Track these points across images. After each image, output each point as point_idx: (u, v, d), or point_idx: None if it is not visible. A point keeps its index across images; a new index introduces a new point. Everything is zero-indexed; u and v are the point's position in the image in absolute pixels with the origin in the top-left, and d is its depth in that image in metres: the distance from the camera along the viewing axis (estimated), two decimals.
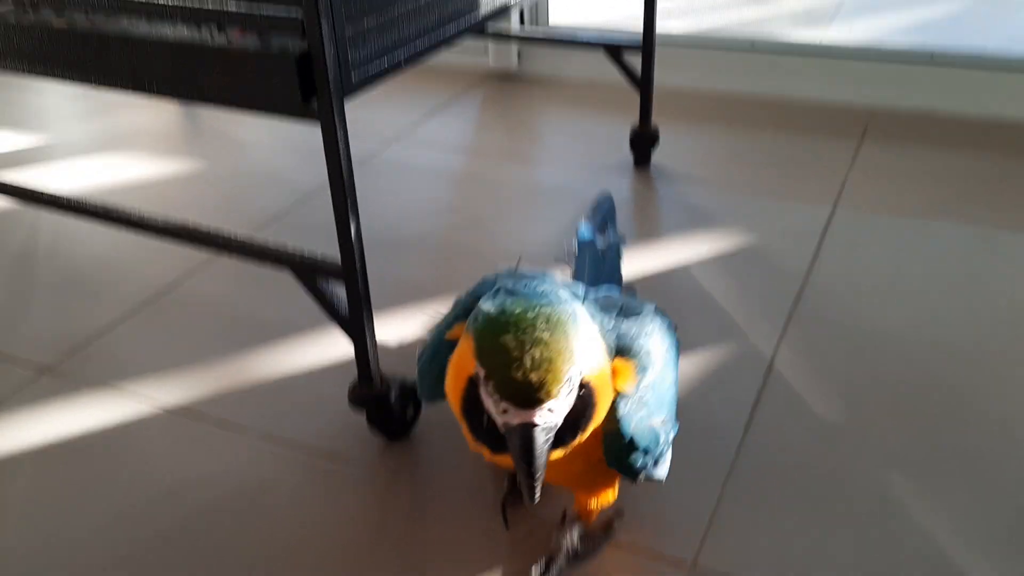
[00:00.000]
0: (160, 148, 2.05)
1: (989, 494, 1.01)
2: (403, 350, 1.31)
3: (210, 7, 0.95)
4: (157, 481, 1.10)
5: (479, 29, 1.20)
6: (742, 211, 1.62)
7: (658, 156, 1.81)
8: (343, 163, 0.96)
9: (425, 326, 1.14)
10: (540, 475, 0.74)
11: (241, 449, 1.15)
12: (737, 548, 0.96)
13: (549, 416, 0.72)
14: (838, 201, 1.62)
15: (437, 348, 0.91)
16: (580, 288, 0.95)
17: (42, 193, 1.31)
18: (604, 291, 1.00)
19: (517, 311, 0.73)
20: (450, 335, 0.88)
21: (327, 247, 1.07)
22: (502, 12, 1.26)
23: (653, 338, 0.88)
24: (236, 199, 1.79)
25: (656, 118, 1.77)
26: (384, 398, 1.10)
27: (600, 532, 0.98)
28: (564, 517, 0.99)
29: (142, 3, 0.99)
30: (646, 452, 0.85)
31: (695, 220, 1.60)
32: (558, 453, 0.78)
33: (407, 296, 1.43)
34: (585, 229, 1.26)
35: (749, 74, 2.07)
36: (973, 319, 1.30)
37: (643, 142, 1.77)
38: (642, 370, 0.84)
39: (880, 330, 1.28)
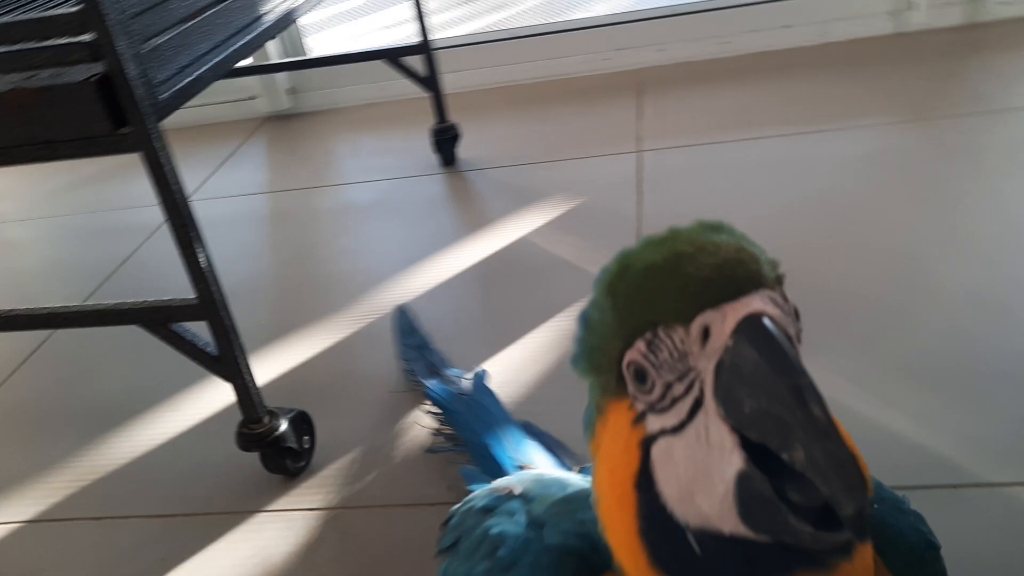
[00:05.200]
0: None
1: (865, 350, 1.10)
2: (281, 383, 1.23)
3: None
4: None
5: (270, 36, 1.16)
6: (558, 179, 1.67)
7: (463, 152, 1.83)
8: (174, 188, 0.89)
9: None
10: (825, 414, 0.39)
11: (125, 536, 1.03)
12: None
13: (776, 308, 0.42)
14: (640, 147, 1.71)
15: None
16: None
17: None
18: None
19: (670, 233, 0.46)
20: None
21: None
22: (287, 22, 1.22)
23: None
24: (29, 298, 1.61)
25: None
26: (276, 434, 1.02)
27: None
28: None
29: None
30: None
31: (519, 198, 1.62)
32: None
33: (265, 338, 1.34)
34: (433, 385, 1.03)
35: (520, 63, 2.14)
36: (794, 212, 1.41)
37: (446, 140, 1.78)
38: None
39: None
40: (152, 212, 1.83)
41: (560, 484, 0.62)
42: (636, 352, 0.43)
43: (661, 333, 0.42)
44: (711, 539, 0.42)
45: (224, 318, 0.95)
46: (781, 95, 1.82)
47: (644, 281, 0.43)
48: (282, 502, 1.03)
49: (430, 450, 1.06)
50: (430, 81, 1.72)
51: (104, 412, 1.25)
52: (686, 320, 0.42)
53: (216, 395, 1.22)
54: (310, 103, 2.26)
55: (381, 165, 1.89)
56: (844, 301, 1.18)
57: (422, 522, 0.97)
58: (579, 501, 0.57)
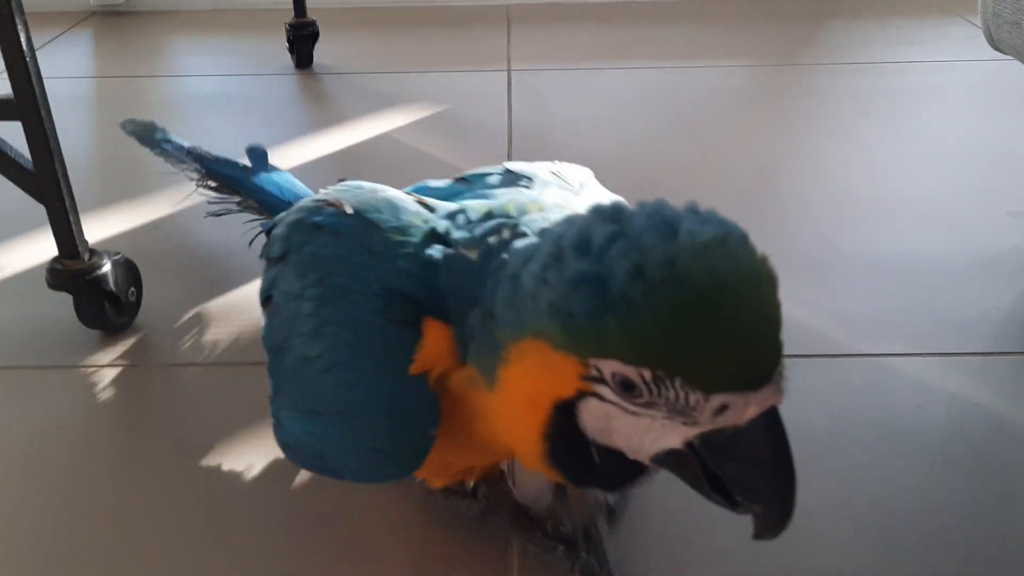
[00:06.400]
0: None
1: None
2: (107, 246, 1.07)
3: None
4: None
5: None
6: (426, 87, 1.58)
7: (320, 58, 1.70)
8: None
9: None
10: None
11: None
12: None
13: (782, 393, 0.44)
14: (510, 68, 1.65)
15: (394, 391, 0.54)
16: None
17: None
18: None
19: (697, 242, 0.47)
20: (416, 368, 0.54)
21: None
22: None
23: None
24: None
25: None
26: (96, 272, 0.87)
27: None
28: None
29: None
30: None
31: (381, 102, 1.52)
32: None
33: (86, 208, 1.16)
34: (209, 161, 0.95)
35: None
36: (662, 133, 1.40)
37: (303, 36, 1.64)
38: None
39: (592, 152, 1.33)
40: None
41: (392, 207, 0.59)
42: (636, 375, 0.43)
43: (677, 384, 0.42)
44: (610, 455, 0.48)
45: (45, 120, 0.80)
46: (649, 36, 1.83)
47: (685, 330, 0.41)
48: (100, 358, 0.88)
49: (211, 213, 0.95)
50: None
51: None
52: (709, 391, 0.42)
53: (22, 251, 1.05)
54: (146, 1, 2.05)
55: (226, 63, 1.73)
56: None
57: (256, 382, 0.86)
58: (417, 231, 0.57)
